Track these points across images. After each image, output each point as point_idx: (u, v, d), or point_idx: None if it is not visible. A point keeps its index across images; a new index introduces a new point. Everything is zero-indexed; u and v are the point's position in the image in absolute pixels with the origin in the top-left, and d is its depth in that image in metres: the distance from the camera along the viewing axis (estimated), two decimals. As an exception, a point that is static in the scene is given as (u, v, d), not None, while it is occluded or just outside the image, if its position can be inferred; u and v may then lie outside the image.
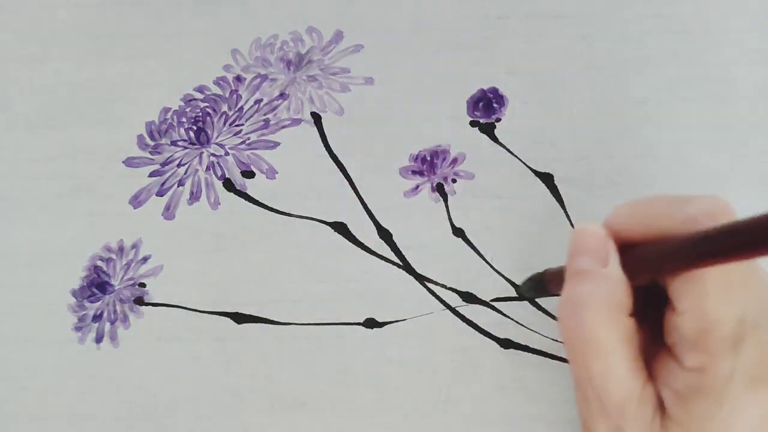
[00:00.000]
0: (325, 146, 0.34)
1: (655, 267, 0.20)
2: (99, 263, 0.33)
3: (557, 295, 0.24)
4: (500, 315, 0.31)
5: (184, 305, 0.33)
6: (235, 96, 0.36)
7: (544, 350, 0.31)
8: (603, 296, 0.20)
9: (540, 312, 0.31)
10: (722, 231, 0.16)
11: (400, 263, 0.33)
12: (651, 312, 0.22)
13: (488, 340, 0.31)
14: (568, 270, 0.22)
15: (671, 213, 0.20)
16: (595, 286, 0.21)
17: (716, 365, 0.19)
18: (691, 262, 0.18)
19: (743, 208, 0.32)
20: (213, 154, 0.35)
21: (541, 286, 0.28)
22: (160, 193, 0.34)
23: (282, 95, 0.35)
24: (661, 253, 0.20)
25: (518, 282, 0.32)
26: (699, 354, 0.19)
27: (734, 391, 0.19)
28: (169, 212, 0.34)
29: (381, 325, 0.32)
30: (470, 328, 0.31)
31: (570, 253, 0.22)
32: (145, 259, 0.33)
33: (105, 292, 0.33)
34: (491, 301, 0.32)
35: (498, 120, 0.34)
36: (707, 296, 0.19)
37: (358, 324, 0.32)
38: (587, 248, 0.21)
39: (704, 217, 0.19)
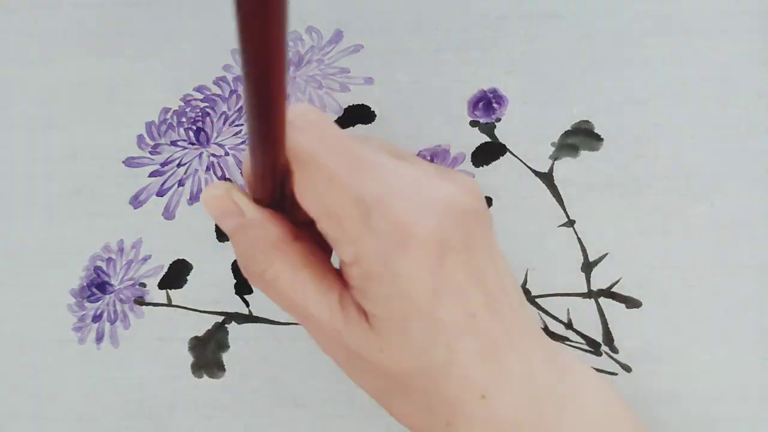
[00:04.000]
0: (325, 146, 0.34)
1: (266, 186, 0.21)
2: (99, 263, 0.33)
3: None
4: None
5: (184, 305, 0.33)
6: (234, 96, 0.36)
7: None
8: (257, 242, 0.21)
9: (540, 311, 0.31)
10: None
11: (400, 263, 0.33)
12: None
13: (488, 340, 0.31)
14: (228, 237, 0.23)
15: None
16: (247, 237, 0.21)
17: (364, 249, 0.19)
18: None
19: (743, 208, 0.32)
20: (213, 155, 0.35)
21: None
22: (160, 193, 0.34)
23: (282, 95, 0.35)
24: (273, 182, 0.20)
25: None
26: (347, 246, 0.20)
27: (389, 263, 0.19)
28: (169, 212, 0.34)
29: (381, 325, 0.32)
30: (470, 328, 0.31)
31: (216, 221, 0.23)
32: (145, 259, 0.33)
33: (105, 292, 0.33)
34: (491, 301, 0.32)
35: (498, 120, 0.34)
36: (324, 195, 0.19)
37: (358, 324, 0.32)
38: (222, 213, 0.22)
39: (294, 118, 0.20)
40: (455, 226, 0.20)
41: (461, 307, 0.20)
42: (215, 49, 0.36)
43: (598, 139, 0.34)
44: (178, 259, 0.33)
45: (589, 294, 0.32)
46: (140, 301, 0.33)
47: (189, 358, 0.32)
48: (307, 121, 0.20)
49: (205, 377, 0.32)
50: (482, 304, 0.20)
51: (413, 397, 0.21)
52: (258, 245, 0.21)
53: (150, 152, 0.35)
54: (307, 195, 0.20)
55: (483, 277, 0.20)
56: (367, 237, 0.19)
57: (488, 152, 0.34)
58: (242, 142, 0.35)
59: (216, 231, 0.33)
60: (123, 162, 0.35)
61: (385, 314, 0.20)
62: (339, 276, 0.22)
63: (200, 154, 0.35)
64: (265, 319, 0.32)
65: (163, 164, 0.35)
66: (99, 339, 0.32)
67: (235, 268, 0.33)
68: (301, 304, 0.21)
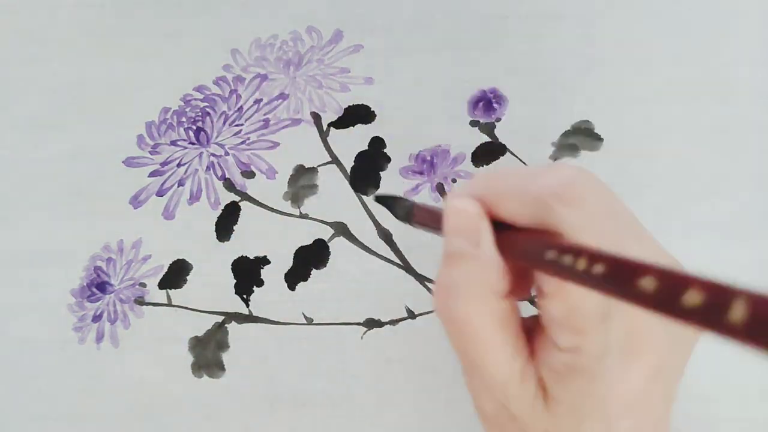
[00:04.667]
0: (325, 146, 0.34)
1: (523, 259, 0.20)
2: (99, 263, 0.33)
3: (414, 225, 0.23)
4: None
5: (184, 305, 0.33)
6: (234, 96, 0.36)
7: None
8: (474, 281, 0.20)
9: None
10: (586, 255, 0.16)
11: (401, 263, 0.33)
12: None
13: (488, 340, 0.31)
14: (442, 249, 0.21)
15: (518, 193, 0.19)
16: (467, 270, 0.20)
17: (587, 343, 0.19)
18: (547, 270, 0.18)
19: (743, 208, 0.32)
20: (213, 154, 0.35)
21: (403, 212, 0.26)
22: (160, 193, 0.34)
23: (282, 95, 0.35)
24: (526, 250, 0.19)
25: None
26: (570, 334, 0.19)
27: (607, 366, 0.19)
28: (169, 212, 0.34)
29: (381, 325, 0.32)
30: (470, 328, 0.31)
31: (444, 231, 0.21)
32: (145, 259, 0.33)
33: (105, 292, 0.33)
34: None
35: (498, 120, 0.34)
36: None
37: (358, 324, 0.32)
38: (460, 228, 0.20)
39: (551, 198, 0.18)
40: (677, 353, 0.20)
41: (648, 428, 0.20)
42: (215, 49, 0.36)
43: (598, 139, 0.34)
44: (178, 259, 0.33)
45: (589, 294, 0.32)
46: (140, 301, 0.33)
47: (189, 358, 0.32)
48: (578, 196, 0.19)
49: (205, 377, 0.32)
50: (664, 425, 0.20)
51: None
52: (471, 281, 0.20)
53: (150, 152, 0.35)
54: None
55: (670, 403, 0.21)
56: (598, 334, 0.19)
57: (488, 152, 0.34)
58: (242, 142, 0.35)
59: (216, 231, 0.33)
60: (123, 162, 0.35)
61: (571, 405, 0.19)
62: (525, 343, 0.21)
63: (200, 154, 0.35)
64: (265, 319, 0.32)
65: (163, 164, 0.35)
66: (99, 339, 0.32)
67: (236, 268, 0.33)
68: (482, 356, 0.20)
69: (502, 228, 0.20)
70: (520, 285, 0.21)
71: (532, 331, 0.21)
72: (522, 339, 0.21)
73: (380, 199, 0.27)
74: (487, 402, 0.22)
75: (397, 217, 0.26)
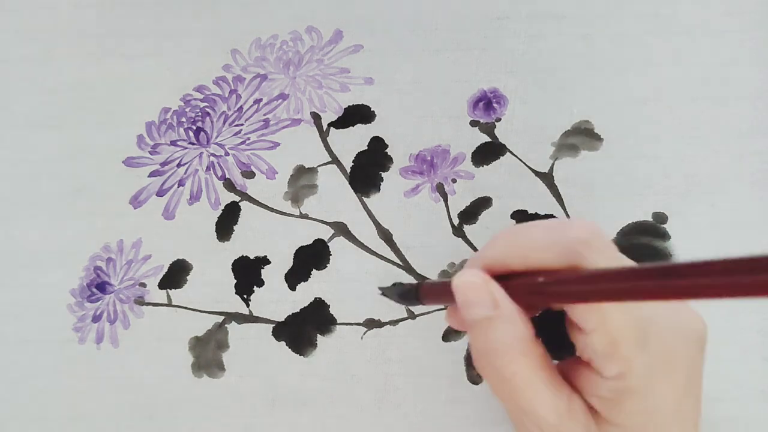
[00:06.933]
0: (324, 146, 0.34)
1: (550, 299, 0.22)
2: (99, 263, 0.33)
3: (428, 304, 0.25)
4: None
5: (184, 305, 0.33)
6: (234, 96, 0.36)
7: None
8: (509, 338, 0.22)
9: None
10: (616, 273, 0.18)
11: (401, 263, 0.33)
12: (548, 324, 0.24)
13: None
14: (466, 322, 0.23)
15: (548, 244, 0.22)
16: (497, 330, 0.22)
17: (632, 368, 0.21)
18: (583, 299, 0.20)
19: (743, 208, 0.32)
20: (213, 154, 0.35)
21: (411, 296, 0.27)
22: (160, 193, 0.34)
23: (282, 95, 0.35)
24: (556, 290, 0.21)
25: None
26: (615, 363, 0.21)
27: (652, 382, 0.21)
28: (169, 212, 0.34)
29: (381, 325, 0.32)
30: (470, 328, 0.31)
31: (460, 307, 0.23)
32: (145, 259, 0.33)
33: (105, 292, 0.33)
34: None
35: (498, 120, 0.34)
36: (607, 312, 0.21)
37: (358, 324, 0.32)
38: (473, 302, 0.22)
39: (581, 246, 0.21)
40: (701, 356, 0.23)
41: (682, 429, 0.23)
42: (215, 49, 0.36)
43: (598, 139, 0.34)
44: (178, 259, 0.33)
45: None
46: (140, 301, 0.33)
47: (189, 358, 0.32)
48: (603, 245, 0.21)
49: (205, 377, 0.32)
50: (693, 425, 0.23)
51: None
52: (506, 340, 0.22)
53: (150, 152, 0.35)
54: (591, 309, 0.21)
55: (699, 412, 0.23)
56: (640, 357, 0.21)
57: (488, 152, 0.34)
58: (242, 143, 0.35)
59: (216, 231, 0.33)
60: (123, 162, 0.35)
61: (624, 425, 0.22)
62: (563, 381, 0.23)
63: (200, 154, 0.35)
64: (265, 319, 0.32)
65: (163, 164, 0.35)
66: (99, 339, 0.32)
67: (236, 268, 0.33)
68: (530, 402, 0.22)
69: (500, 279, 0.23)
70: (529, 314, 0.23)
71: (570, 370, 0.23)
72: (558, 375, 0.23)
73: (386, 292, 0.29)
74: None
75: (407, 304, 0.28)
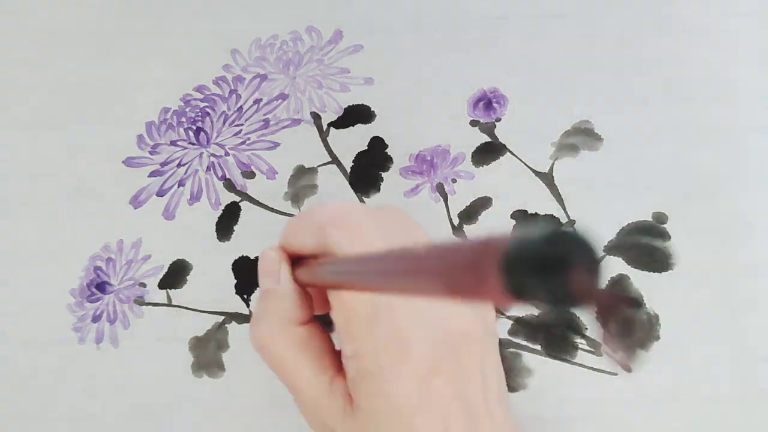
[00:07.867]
0: (324, 146, 0.34)
1: (311, 281, 0.23)
2: (99, 263, 0.33)
3: None
4: (499, 314, 0.31)
5: (184, 305, 0.33)
6: (234, 96, 0.36)
7: (542, 350, 0.31)
8: (273, 311, 0.24)
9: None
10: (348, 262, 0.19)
11: (400, 263, 0.33)
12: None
13: (488, 340, 0.31)
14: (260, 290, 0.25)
15: (299, 229, 0.23)
16: (268, 303, 0.24)
17: (361, 347, 0.21)
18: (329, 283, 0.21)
19: (743, 207, 0.32)
20: (213, 155, 0.35)
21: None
22: (160, 193, 0.34)
23: (282, 95, 0.35)
24: (312, 273, 0.22)
25: None
26: (349, 342, 0.22)
27: (383, 366, 0.21)
28: (169, 212, 0.34)
29: (381, 325, 0.32)
30: (470, 328, 0.31)
31: (258, 274, 0.25)
32: (145, 259, 0.33)
33: (105, 292, 0.33)
34: (491, 301, 0.32)
35: (498, 120, 0.34)
36: (345, 291, 0.22)
37: (358, 324, 0.32)
38: (266, 270, 0.24)
39: (325, 230, 0.22)
40: (449, 352, 0.22)
41: (439, 422, 0.21)
42: (215, 49, 0.36)
43: (598, 139, 0.34)
44: (178, 259, 0.33)
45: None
46: (140, 301, 0.33)
47: (189, 358, 0.32)
48: (345, 222, 0.22)
49: (205, 377, 0.32)
50: (461, 421, 0.22)
51: None
52: (275, 314, 0.24)
53: (150, 152, 0.35)
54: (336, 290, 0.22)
55: (468, 395, 0.22)
56: (368, 339, 0.21)
57: (488, 152, 0.34)
58: (242, 143, 0.35)
59: (216, 231, 0.33)
60: (123, 162, 0.35)
61: (367, 408, 0.22)
62: (336, 361, 0.24)
63: (200, 154, 0.35)
64: (265, 319, 0.32)
65: (163, 164, 0.35)
66: (99, 339, 0.32)
67: (236, 268, 0.33)
68: (291, 377, 0.23)
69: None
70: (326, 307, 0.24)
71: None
72: (330, 358, 0.24)
73: None
74: (311, 420, 0.25)
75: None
